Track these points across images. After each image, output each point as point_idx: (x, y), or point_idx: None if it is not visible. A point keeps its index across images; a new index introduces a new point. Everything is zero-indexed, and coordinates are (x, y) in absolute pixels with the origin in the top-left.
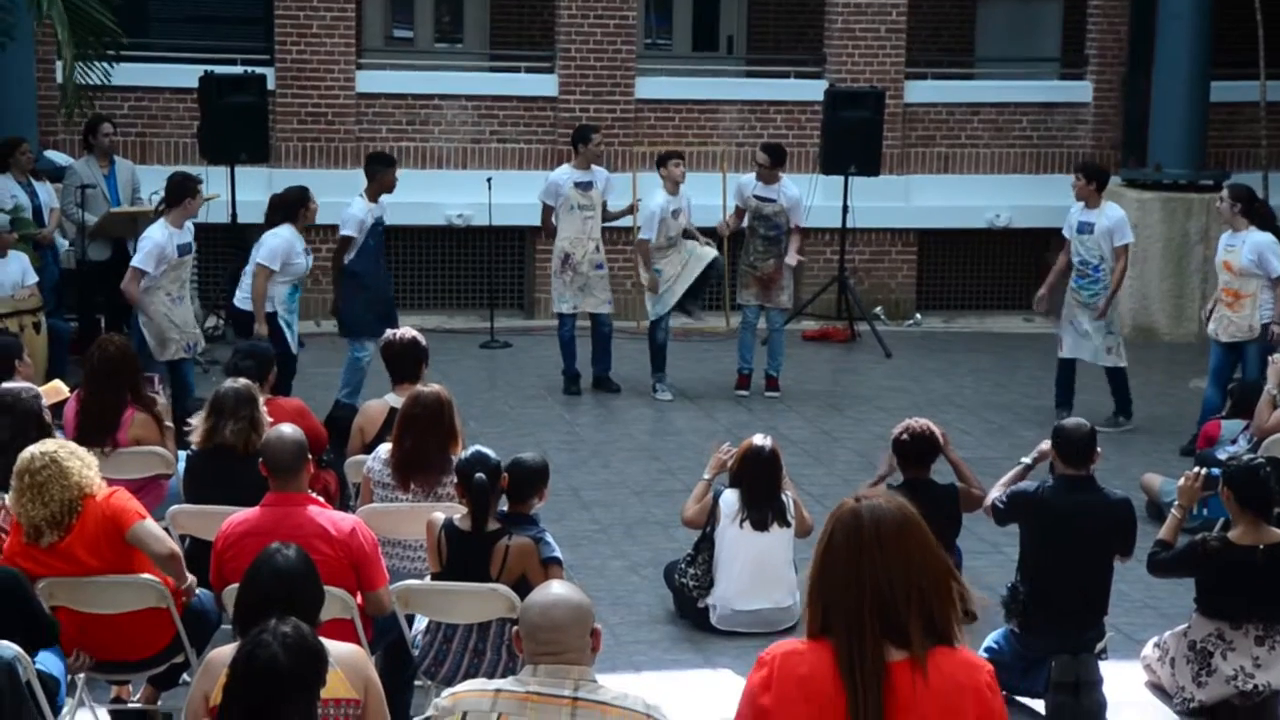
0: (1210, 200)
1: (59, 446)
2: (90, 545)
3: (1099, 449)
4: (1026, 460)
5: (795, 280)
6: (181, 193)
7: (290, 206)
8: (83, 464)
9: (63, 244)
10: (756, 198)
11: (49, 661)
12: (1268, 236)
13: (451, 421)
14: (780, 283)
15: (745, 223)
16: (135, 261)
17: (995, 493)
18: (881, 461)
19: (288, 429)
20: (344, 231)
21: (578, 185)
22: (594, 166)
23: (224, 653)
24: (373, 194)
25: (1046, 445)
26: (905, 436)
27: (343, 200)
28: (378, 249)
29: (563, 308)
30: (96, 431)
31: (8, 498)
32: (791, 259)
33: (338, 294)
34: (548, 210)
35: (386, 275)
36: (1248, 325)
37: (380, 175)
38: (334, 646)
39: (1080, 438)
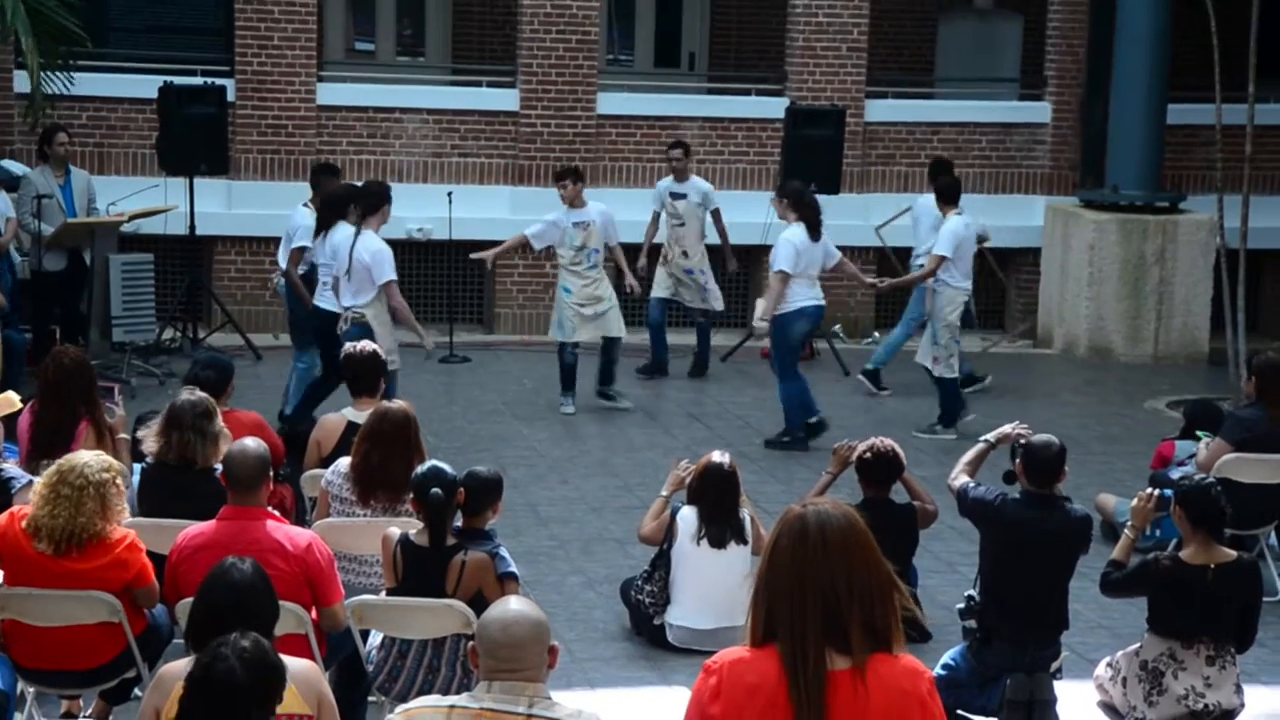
0: (1166, 222)
1: (100, 480)
2: (87, 571)
3: (1066, 468)
4: (990, 438)
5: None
6: (380, 200)
7: (343, 204)
8: (99, 510)
9: (17, 255)
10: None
11: None
12: None
13: (417, 438)
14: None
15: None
16: (391, 275)
17: (959, 472)
18: (829, 466)
19: (252, 443)
20: (298, 242)
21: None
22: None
23: (175, 667)
24: (318, 204)
25: (1009, 428)
26: (869, 455)
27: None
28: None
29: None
30: (50, 444)
31: (38, 484)
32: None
33: (307, 302)
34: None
35: None
36: None
37: (326, 186)
38: (288, 662)
39: (1048, 457)
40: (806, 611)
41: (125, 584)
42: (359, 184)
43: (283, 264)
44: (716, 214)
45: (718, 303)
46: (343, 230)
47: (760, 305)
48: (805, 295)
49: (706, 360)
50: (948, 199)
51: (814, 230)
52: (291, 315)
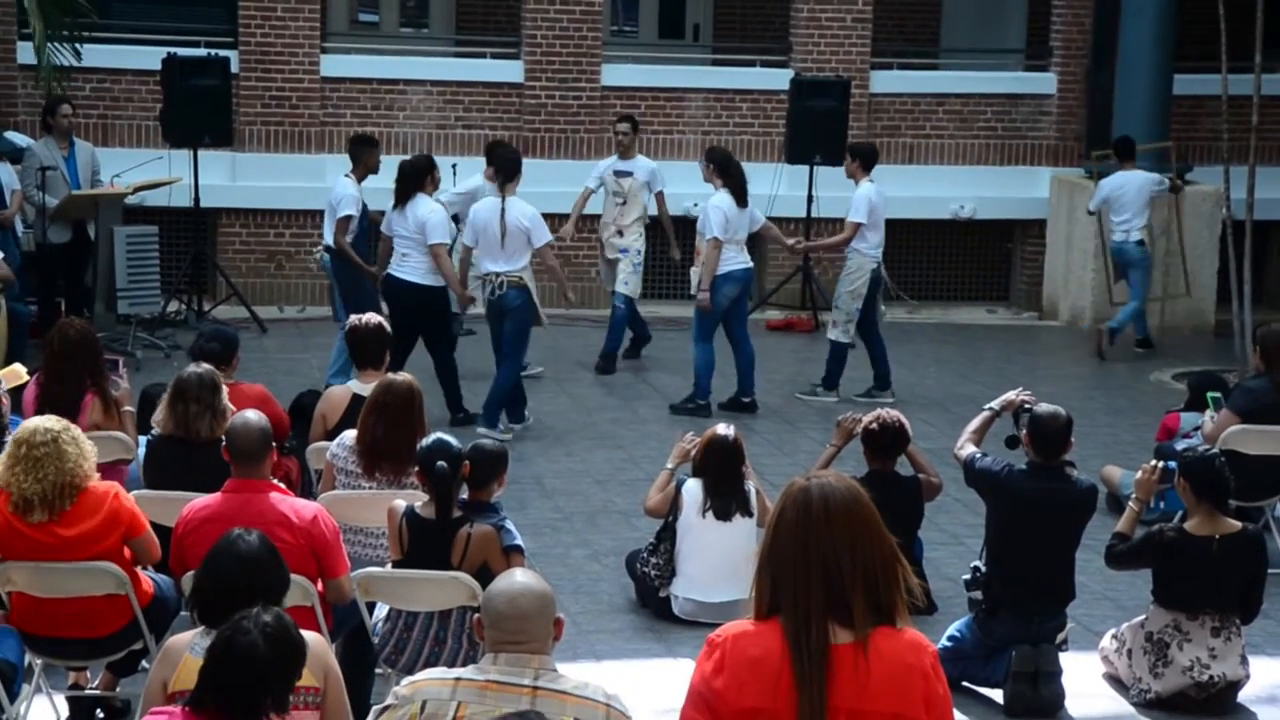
0: (1172, 194)
1: (64, 429)
2: (86, 533)
3: (1072, 439)
4: (995, 406)
5: (758, 269)
6: (518, 167)
7: (421, 175)
8: (80, 452)
9: (21, 227)
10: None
11: (5, 648)
12: None
13: (421, 412)
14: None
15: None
16: (550, 235)
17: (965, 441)
18: (833, 439)
19: (253, 415)
20: (345, 211)
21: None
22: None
23: (183, 639)
24: (359, 176)
25: (1013, 395)
26: (875, 426)
27: (307, 184)
28: (363, 231)
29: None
30: (56, 416)
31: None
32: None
33: (364, 269)
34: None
35: (371, 257)
36: None
37: (365, 157)
38: None
39: (1056, 429)
40: (810, 584)
41: (123, 539)
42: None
43: (328, 238)
44: (660, 196)
45: (628, 288)
46: (424, 205)
47: (695, 275)
48: (733, 260)
49: (644, 339)
50: (867, 165)
51: (740, 197)
52: (340, 286)
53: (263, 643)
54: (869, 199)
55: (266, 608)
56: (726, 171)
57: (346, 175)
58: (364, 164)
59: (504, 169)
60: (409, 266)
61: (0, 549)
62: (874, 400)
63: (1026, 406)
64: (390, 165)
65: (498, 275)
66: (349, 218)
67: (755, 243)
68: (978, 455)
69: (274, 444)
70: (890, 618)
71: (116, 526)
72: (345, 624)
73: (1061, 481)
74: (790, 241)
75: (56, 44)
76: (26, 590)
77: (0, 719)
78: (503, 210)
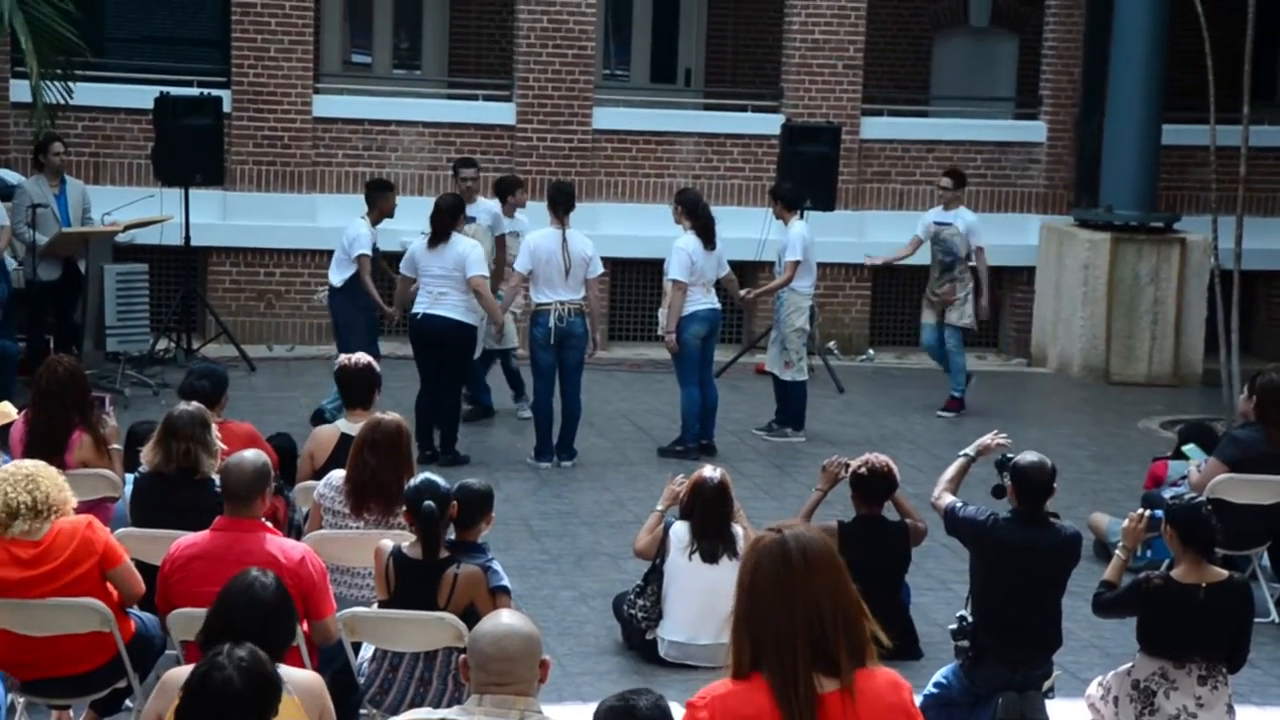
0: (1160, 242)
1: (42, 467)
2: (61, 564)
3: (1055, 486)
4: (969, 452)
5: (749, 314)
6: (573, 200)
7: (456, 213)
8: (53, 484)
9: (11, 263)
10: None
11: None
12: None
13: (409, 451)
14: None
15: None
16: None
17: (942, 490)
18: (819, 483)
19: (250, 455)
20: (360, 250)
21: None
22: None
23: (180, 673)
24: (374, 219)
25: (988, 439)
26: (864, 471)
27: (298, 224)
28: (375, 272)
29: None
30: (44, 453)
31: None
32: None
33: (382, 309)
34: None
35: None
36: None
37: (381, 201)
38: (293, 674)
39: (1042, 480)
40: (796, 638)
41: (100, 568)
42: (446, 196)
43: (333, 279)
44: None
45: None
46: (462, 242)
47: (663, 316)
48: (699, 301)
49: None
50: (790, 206)
51: (707, 239)
52: (341, 324)
53: (238, 678)
54: (803, 237)
55: (240, 643)
56: (694, 214)
57: (362, 217)
58: (379, 208)
59: (562, 202)
60: (448, 304)
61: None
62: (787, 440)
63: (1007, 456)
64: None
65: (563, 304)
66: (365, 256)
67: (744, 285)
68: (958, 505)
69: (269, 485)
70: (863, 659)
71: (89, 555)
72: (330, 664)
73: (1046, 529)
74: (741, 293)
75: (48, 82)
76: (9, 627)
77: None
78: (564, 240)
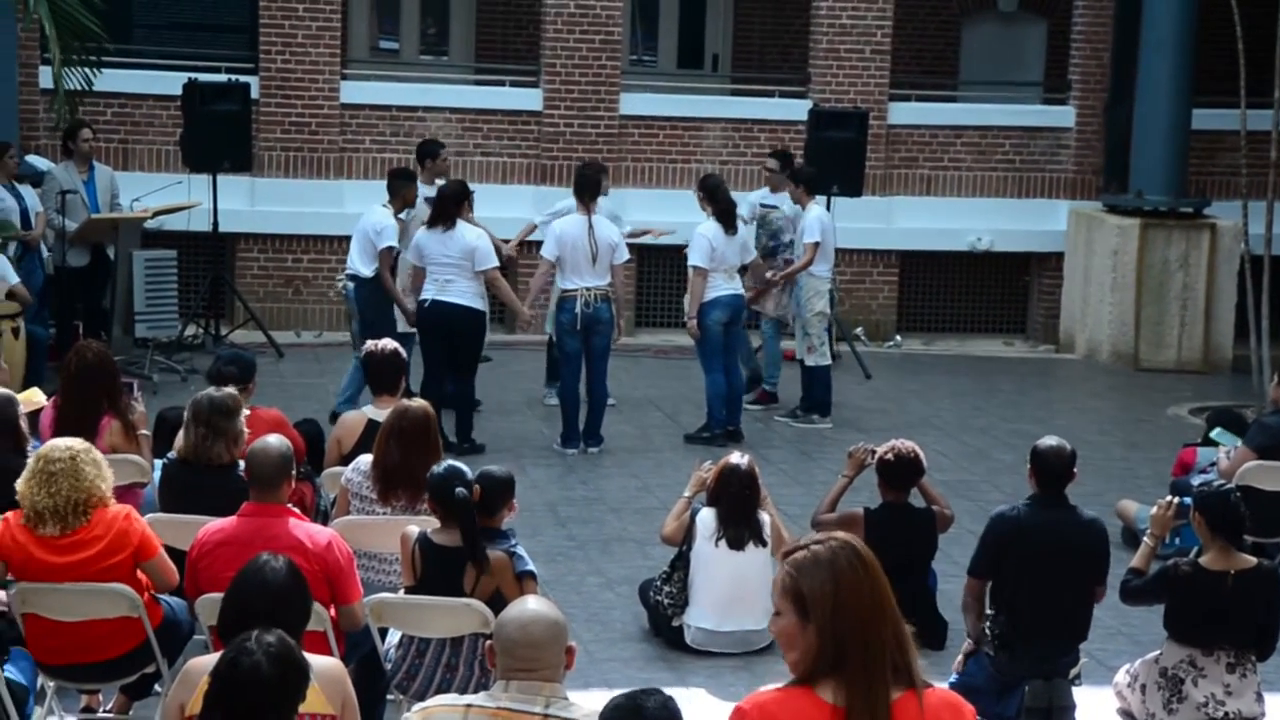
0: (1190, 228)
1: (85, 449)
2: (94, 552)
3: (1075, 470)
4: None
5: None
6: (600, 186)
7: (460, 199)
8: (98, 473)
9: (43, 250)
10: None
11: (17, 670)
12: None
13: (436, 437)
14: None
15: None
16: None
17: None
18: (845, 469)
19: (274, 440)
20: (386, 242)
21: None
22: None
23: (202, 662)
24: (396, 208)
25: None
26: (890, 457)
27: (326, 210)
28: (396, 261)
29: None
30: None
31: (19, 482)
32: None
33: (400, 302)
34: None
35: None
36: None
37: (403, 190)
38: (314, 660)
39: (1059, 463)
40: (884, 640)
41: (134, 559)
42: (457, 182)
43: (355, 266)
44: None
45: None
46: (470, 231)
47: (687, 302)
48: (721, 287)
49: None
50: (811, 189)
51: (728, 224)
52: (363, 315)
53: (266, 664)
54: (820, 220)
55: (269, 629)
56: (715, 199)
57: (384, 205)
58: (401, 197)
59: (589, 188)
60: (455, 290)
61: (10, 564)
62: (813, 426)
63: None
64: None
65: (589, 290)
66: (391, 249)
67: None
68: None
69: (293, 470)
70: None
71: (125, 546)
72: (357, 650)
73: (1066, 512)
74: (768, 274)
75: (69, 69)
76: (40, 612)
77: None
78: (590, 226)
